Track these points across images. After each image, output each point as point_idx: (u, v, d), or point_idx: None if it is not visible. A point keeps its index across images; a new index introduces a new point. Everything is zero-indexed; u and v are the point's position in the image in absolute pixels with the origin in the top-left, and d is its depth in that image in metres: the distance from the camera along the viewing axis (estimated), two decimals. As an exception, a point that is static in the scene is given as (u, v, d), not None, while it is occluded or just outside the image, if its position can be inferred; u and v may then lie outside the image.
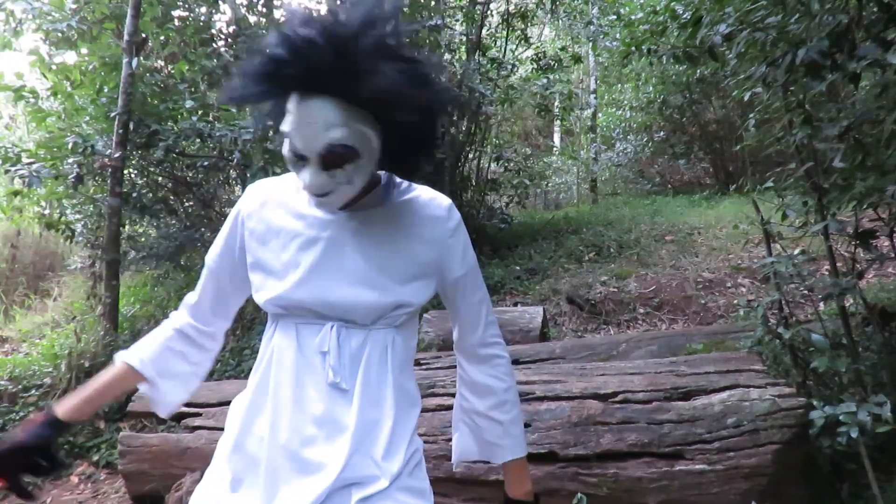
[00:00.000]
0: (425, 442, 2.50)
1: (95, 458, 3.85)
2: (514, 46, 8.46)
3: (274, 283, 1.14)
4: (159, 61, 6.23)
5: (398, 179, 1.21)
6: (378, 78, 0.97)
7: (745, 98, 2.71)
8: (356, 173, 1.06)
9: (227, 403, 3.22)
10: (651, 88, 10.32)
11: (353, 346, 1.13)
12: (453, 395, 2.57)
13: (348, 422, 1.10)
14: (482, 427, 1.31)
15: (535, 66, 8.38)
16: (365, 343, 1.13)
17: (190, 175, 6.18)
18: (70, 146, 4.74)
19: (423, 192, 1.21)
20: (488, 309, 1.28)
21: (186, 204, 6.37)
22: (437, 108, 1.09)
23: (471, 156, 8.03)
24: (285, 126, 1.03)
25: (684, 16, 3.10)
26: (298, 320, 1.14)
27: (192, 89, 5.90)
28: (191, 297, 1.33)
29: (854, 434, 1.85)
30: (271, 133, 5.63)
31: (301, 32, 0.95)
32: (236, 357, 4.85)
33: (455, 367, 1.36)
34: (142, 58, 5.32)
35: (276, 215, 1.17)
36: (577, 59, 8.74)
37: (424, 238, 1.17)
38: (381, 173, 1.19)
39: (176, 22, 6.19)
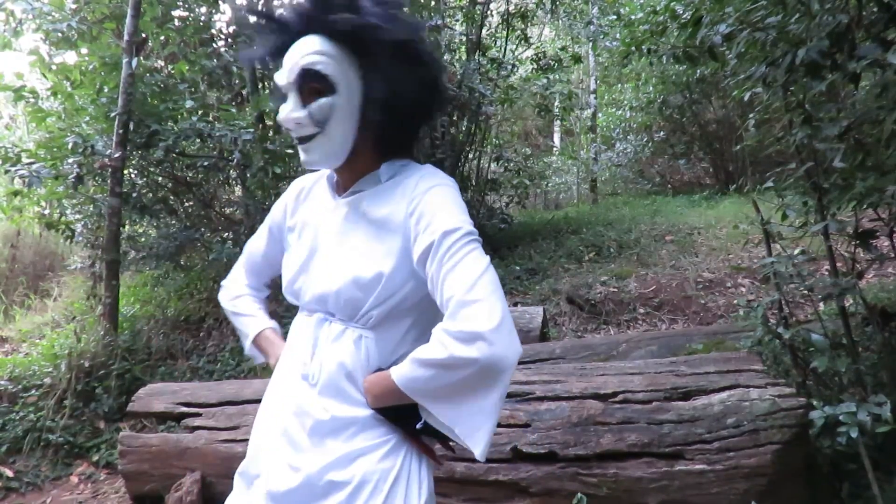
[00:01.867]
0: (425, 442, 2.50)
1: (95, 458, 3.85)
2: (514, 46, 8.45)
3: (286, 273, 1.21)
4: (159, 61, 6.23)
5: (399, 163, 1.14)
6: (354, 15, 1.03)
7: (745, 98, 2.71)
8: (333, 116, 1.05)
9: (227, 403, 3.23)
10: (651, 88, 10.31)
11: (328, 341, 1.10)
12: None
13: (312, 417, 1.09)
14: None
15: (535, 66, 8.38)
16: (340, 338, 1.10)
17: (190, 175, 6.18)
18: (70, 146, 4.73)
19: (420, 172, 1.11)
20: (484, 285, 0.96)
21: (186, 204, 6.37)
22: (418, 56, 1.08)
23: (471, 156, 8.02)
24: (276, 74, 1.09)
25: (684, 16, 3.10)
26: (303, 311, 1.19)
27: (192, 89, 5.90)
28: (239, 268, 1.42)
29: (854, 434, 1.85)
30: (271, 133, 5.63)
31: None
32: (236, 357, 4.85)
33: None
34: (142, 58, 5.32)
35: (305, 207, 1.23)
36: (577, 59, 8.73)
37: (393, 218, 1.07)
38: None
39: (176, 22, 6.19)
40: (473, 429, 0.97)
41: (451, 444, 1.11)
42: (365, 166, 1.13)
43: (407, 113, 1.09)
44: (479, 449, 0.98)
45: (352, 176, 1.14)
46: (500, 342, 0.91)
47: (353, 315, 1.09)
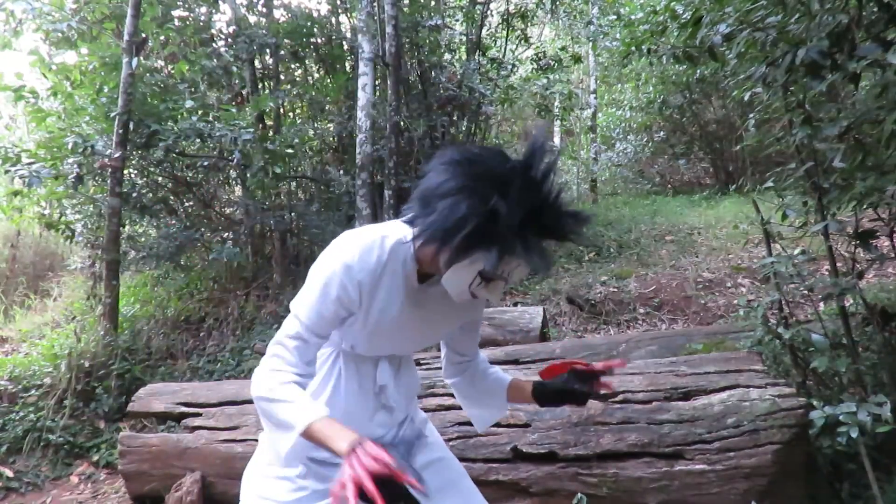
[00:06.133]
0: (425, 442, 2.50)
1: (95, 458, 3.86)
2: (514, 46, 8.45)
3: (370, 329, 1.32)
4: (159, 61, 6.23)
5: None
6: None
7: (745, 98, 2.71)
8: None
9: (227, 403, 3.22)
10: (651, 88, 10.31)
11: (404, 371, 1.47)
12: (453, 396, 2.58)
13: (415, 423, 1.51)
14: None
15: (535, 66, 8.38)
16: (410, 366, 1.51)
17: (190, 175, 6.18)
18: (70, 146, 4.73)
19: None
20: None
21: (186, 204, 6.37)
22: None
23: (471, 156, 8.00)
24: (513, 264, 1.18)
25: (684, 16, 3.10)
26: (358, 359, 1.39)
27: (192, 89, 5.90)
28: (290, 353, 1.28)
29: (854, 434, 1.85)
30: (271, 133, 5.62)
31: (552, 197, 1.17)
32: (236, 357, 4.85)
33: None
34: (142, 58, 5.32)
35: (382, 288, 1.29)
36: (577, 59, 8.73)
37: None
38: None
39: (176, 22, 6.19)
40: None
41: None
42: None
43: None
44: None
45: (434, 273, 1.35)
46: None
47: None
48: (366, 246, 1.25)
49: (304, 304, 1.26)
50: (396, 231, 1.29)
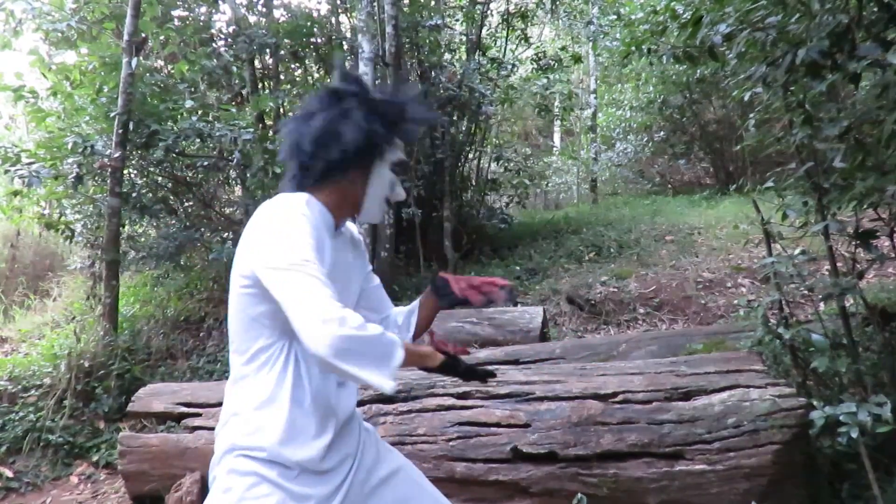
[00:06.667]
0: (424, 442, 2.50)
1: (95, 458, 3.85)
2: (514, 46, 8.45)
3: None
4: (159, 61, 6.23)
5: None
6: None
7: (745, 98, 2.70)
8: None
9: (227, 403, 3.17)
10: (651, 88, 10.30)
11: None
12: (453, 396, 2.57)
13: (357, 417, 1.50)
14: None
15: (535, 66, 8.38)
16: None
17: (190, 175, 6.17)
18: (70, 146, 4.73)
19: None
20: None
21: (186, 204, 6.36)
22: None
23: (471, 156, 8.02)
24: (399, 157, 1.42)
25: (684, 16, 3.09)
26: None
27: (192, 89, 5.90)
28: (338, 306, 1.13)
29: (854, 434, 1.84)
30: (271, 133, 5.62)
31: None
32: (236, 357, 4.84)
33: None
34: (142, 58, 5.32)
35: (324, 237, 1.32)
36: (577, 59, 8.73)
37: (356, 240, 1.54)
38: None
39: (176, 22, 6.19)
40: None
41: None
42: None
43: None
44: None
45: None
46: None
47: None
48: (301, 201, 1.27)
49: (293, 250, 1.15)
50: (294, 196, 1.29)
